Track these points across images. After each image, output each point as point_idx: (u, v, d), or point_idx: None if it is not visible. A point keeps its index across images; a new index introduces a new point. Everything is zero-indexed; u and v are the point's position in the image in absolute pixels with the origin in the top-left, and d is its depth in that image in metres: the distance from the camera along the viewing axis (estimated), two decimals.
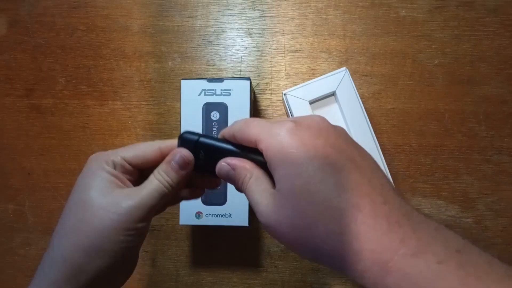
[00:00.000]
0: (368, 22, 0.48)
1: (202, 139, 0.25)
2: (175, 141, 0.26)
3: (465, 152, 0.47)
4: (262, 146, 0.22)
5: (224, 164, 0.24)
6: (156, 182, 0.24)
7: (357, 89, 0.42)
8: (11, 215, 0.49)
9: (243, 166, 0.23)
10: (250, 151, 0.24)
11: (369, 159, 0.22)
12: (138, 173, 0.27)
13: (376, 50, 0.48)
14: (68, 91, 0.49)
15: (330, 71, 0.42)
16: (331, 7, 0.48)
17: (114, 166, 0.25)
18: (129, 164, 0.25)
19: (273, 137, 0.21)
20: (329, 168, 0.20)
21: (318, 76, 0.42)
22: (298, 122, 0.22)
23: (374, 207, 0.19)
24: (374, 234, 0.19)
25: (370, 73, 0.48)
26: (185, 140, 0.26)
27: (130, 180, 0.26)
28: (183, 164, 0.25)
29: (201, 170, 0.26)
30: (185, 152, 0.25)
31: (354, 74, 0.47)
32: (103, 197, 0.23)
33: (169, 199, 0.25)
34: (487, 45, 0.47)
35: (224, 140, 0.25)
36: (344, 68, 0.42)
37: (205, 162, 0.25)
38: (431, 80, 0.47)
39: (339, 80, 0.42)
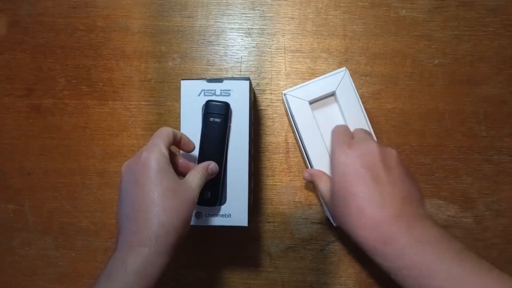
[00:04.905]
0: (368, 22, 0.48)
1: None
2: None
3: (465, 152, 0.47)
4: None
5: (307, 173, 0.41)
6: (199, 176, 0.36)
7: (357, 89, 0.42)
8: (11, 215, 0.49)
9: (317, 174, 0.40)
10: None
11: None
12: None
13: (376, 50, 0.48)
14: (68, 91, 0.49)
15: (330, 71, 0.42)
16: (331, 7, 0.48)
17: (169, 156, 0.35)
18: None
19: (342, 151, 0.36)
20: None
21: (318, 76, 0.42)
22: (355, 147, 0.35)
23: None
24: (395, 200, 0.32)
25: (370, 73, 0.47)
26: None
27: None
28: (212, 173, 0.38)
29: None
30: (215, 167, 0.39)
31: (354, 74, 0.47)
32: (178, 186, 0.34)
33: None
34: (487, 45, 0.47)
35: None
36: (344, 68, 0.42)
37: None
38: (431, 80, 0.47)
39: (339, 80, 0.42)
